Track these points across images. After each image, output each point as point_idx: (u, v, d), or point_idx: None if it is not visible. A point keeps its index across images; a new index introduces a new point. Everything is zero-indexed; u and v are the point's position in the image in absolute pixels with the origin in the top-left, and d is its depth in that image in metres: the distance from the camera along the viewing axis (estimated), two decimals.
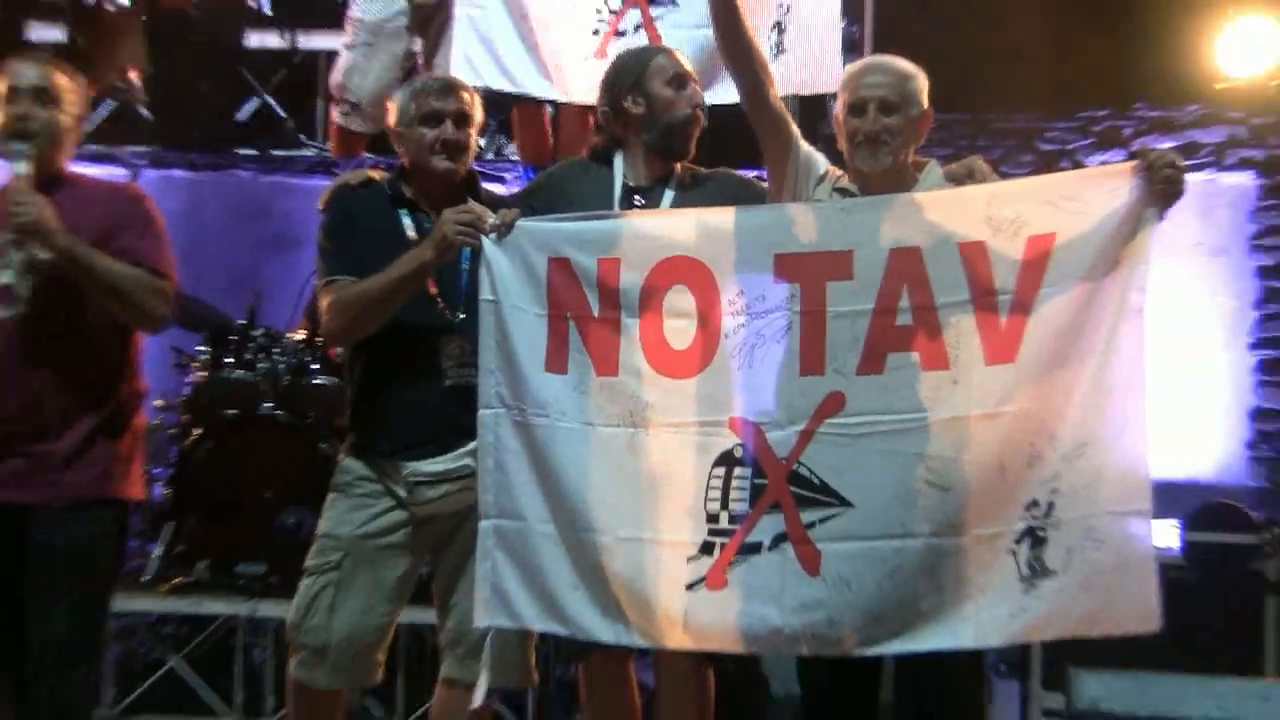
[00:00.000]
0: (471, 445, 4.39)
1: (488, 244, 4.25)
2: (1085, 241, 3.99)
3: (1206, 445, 7.91)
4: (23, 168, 4.15)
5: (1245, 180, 7.97)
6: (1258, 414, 7.97)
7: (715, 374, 4.24)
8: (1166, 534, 6.31)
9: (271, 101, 7.73)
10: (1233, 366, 7.98)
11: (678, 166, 4.58)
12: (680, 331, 4.27)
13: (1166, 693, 5.27)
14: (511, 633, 4.43)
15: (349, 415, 4.65)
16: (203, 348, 6.65)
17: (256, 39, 7.60)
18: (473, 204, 4.29)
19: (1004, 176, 5.19)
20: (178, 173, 8.01)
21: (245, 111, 7.69)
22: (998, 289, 4.04)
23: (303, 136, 7.70)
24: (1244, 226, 8.01)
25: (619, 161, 4.58)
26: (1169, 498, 5.82)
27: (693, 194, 4.58)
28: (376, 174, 4.80)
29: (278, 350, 6.53)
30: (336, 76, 6.22)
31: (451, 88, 4.54)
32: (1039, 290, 4.04)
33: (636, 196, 4.55)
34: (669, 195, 4.57)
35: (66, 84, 4.29)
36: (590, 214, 4.42)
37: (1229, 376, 7.97)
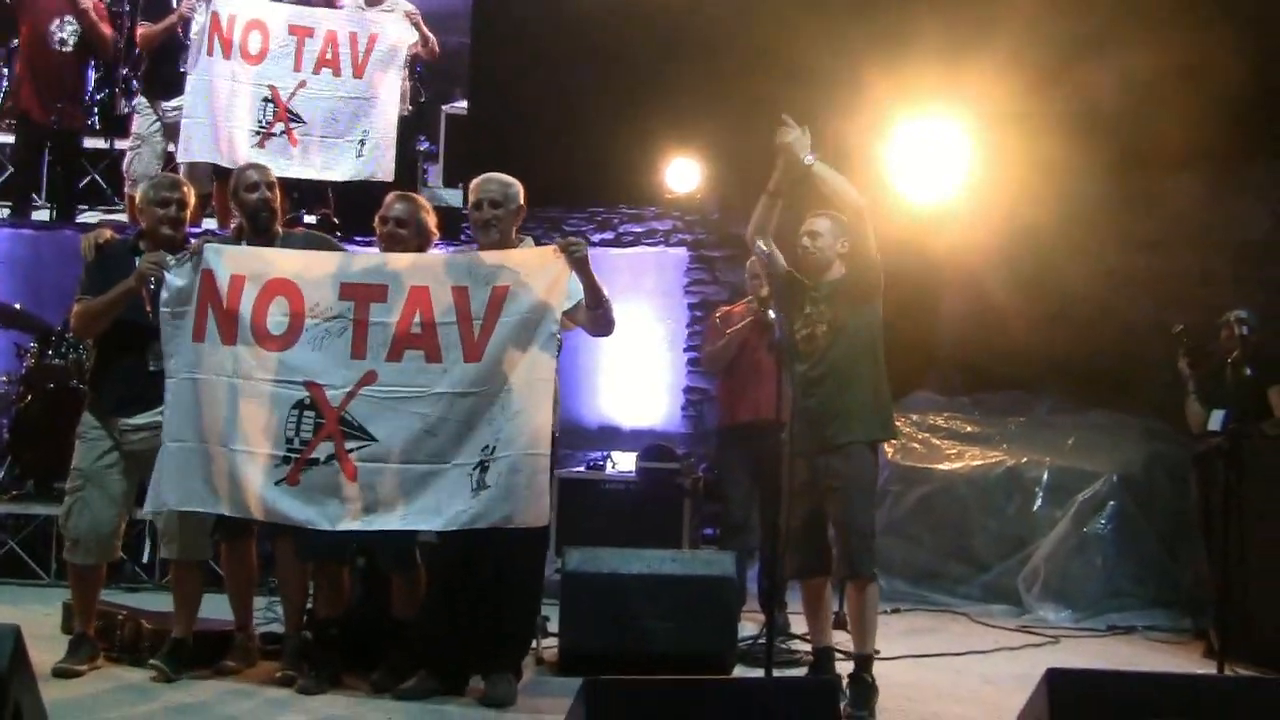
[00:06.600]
0: (161, 407, 5.17)
1: (168, 275, 5.13)
2: (527, 291, 4.98)
3: (657, 408, 10.00)
4: None
5: (682, 252, 10.28)
6: (688, 390, 10.15)
7: (298, 352, 5.06)
8: (629, 462, 7.76)
9: (100, 179, 9.39)
10: (673, 362, 10.21)
11: (279, 229, 5.55)
12: (279, 324, 5.08)
13: (613, 557, 6.01)
14: (192, 519, 5.23)
15: (89, 383, 5.44)
16: (34, 344, 7.97)
17: (90, 142, 9.43)
18: (161, 253, 5.13)
19: None
20: (26, 231, 9.15)
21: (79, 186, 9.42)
22: (474, 316, 4.98)
23: (117, 199, 8.92)
24: (680, 280, 10.28)
25: None
26: (633, 440, 8.18)
27: (284, 244, 5.48)
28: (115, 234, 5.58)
29: (81, 347, 7.73)
30: (125, 165, 7.99)
31: (176, 185, 5.44)
32: (499, 319, 4.97)
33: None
34: (278, 243, 5.46)
35: None
36: (237, 247, 5.33)
37: (671, 367, 10.20)
